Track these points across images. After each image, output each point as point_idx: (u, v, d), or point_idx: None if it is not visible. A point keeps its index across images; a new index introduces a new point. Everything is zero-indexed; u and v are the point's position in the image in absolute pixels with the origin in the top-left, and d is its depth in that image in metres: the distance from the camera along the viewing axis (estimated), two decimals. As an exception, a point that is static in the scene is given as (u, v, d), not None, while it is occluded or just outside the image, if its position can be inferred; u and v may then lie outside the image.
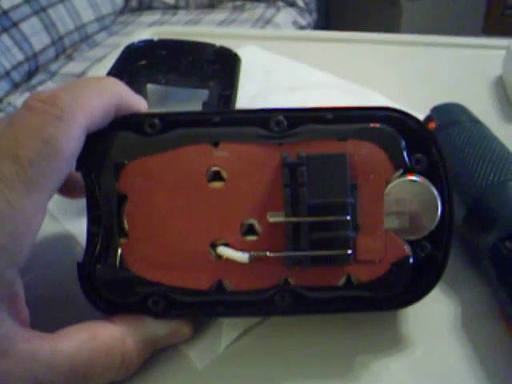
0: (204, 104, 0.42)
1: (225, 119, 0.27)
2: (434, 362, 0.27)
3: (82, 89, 0.26)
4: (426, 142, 0.27)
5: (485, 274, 0.30)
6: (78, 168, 0.27)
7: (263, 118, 0.27)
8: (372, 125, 0.27)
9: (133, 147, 0.27)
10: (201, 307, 0.27)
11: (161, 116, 0.27)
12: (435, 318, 0.29)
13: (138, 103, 0.28)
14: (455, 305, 0.30)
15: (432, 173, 0.27)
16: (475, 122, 0.36)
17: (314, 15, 1.83)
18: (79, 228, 0.35)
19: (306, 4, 1.76)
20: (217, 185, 0.27)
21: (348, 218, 0.25)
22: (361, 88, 0.50)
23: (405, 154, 0.27)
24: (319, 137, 0.27)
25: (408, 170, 0.27)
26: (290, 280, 0.27)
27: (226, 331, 0.29)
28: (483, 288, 0.30)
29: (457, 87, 0.49)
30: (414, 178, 0.27)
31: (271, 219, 0.26)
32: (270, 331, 0.29)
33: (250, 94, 0.48)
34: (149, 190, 0.27)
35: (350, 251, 0.25)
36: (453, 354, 0.28)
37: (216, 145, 0.27)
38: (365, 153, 0.26)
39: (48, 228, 0.35)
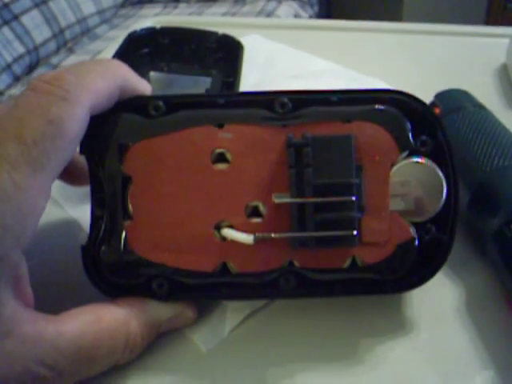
0: (207, 91, 0.42)
1: (229, 101, 0.27)
2: (438, 345, 0.27)
3: (86, 70, 0.26)
4: (431, 124, 0.27)
5: (489, 258, 0.30)
6: (82, 151, 0.27)
7: (268, 100, 0.27)
8: (377, 106, 0.27)
9: (137, 129, 0.27)
10: (205, 289, 0.27)
11: (165, 98, 0.27)
12: (440, 302, 0.29)
13: (143, 86, 0.28)
14: (459, 289, 0.30)
15: (437, 155, 0.27)
16: (479, 107, 0.36)
17: (316, 8, 1.82)
18: (82, 214, 0.35)
19: (308, -3, 1.76)
20: (221, 166, 0.27)
21: (353, 198, 0.25)
22: (364, 76, 0.50)
23: (410, 135, 0.26)
24: (324, 118, 0.26)
25: (413, 152, 0.27)
26: (295, 262, 0.27)
27: (231, 315, 0.29)
28: (488, 272, 0.30)
29: (461, 75, 0.49)
30: (419, 159, 0.27)
31: (276, 200, 0.26)
32: (273, 315, 0.29)
33: (253, 83, 0.48)
34: (153, 171, 0.27)
35: (355, 232, 0.25)
36: (457, 337, 0.28)
37: (220, 126, 0.27)
38: (370, 134, 0.26)
39: (51, 214, 0.35)
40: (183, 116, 0.27)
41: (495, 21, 2.11)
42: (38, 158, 0.22)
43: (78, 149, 0.26)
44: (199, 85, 0.44)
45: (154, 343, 0.27)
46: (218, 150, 0.27)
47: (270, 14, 1.59)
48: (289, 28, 0.66)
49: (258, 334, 0.28)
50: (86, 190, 0.35)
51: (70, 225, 0.35)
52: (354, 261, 0.27)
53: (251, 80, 0.47)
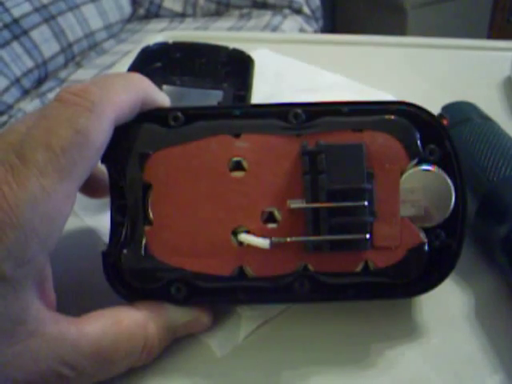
0: (219, 104, 0.43)
1: (245, 112, 0.28)
2: (449, 350, 0.28)
3: (110, 83, 0.27)
4: (439, 134, 0.28)
5: (498, 266, 0.31)
6: (103, 160, 0.28)
7: (282, 112, 0.28)
8: (387, 116, 0.28)
9: (157, 138, 0.28)
10: (221, 294, 0.28)
11: (184, 110, 0.28)
12: (450, 309, 0.30)
13: (162, 99, 0.29)
14: (469, 296, 0.31)
15: (445, 163, 0.28)
16: (485, 119, 0.37)
17: (321, 22, 1.84)
18: (99, 223, 0.36)
19: (313, 11, 1.77)
20: (238, 174, 0.28)
21: (365, 203, 0.26)
22: (372, 89, 0.51)
23: (419, 144, 0.27)
24: (336, 128, 0.28)
25: (422, 161, 0.28)
26: (309, 266, 0.27)
27: (245, 323, 0.30)
28: (496, 279, 0.31)
29: (466, 88, 0.49)
30: (428, 167, 0.28)
31: (292, 205, 0.27)
32: (286, 322, 0.30)
33: (263, 96, 0.49)
34: (173, 179, 0.28)
35: (367, 235, 0.26)
36: (467, 342, 0.28)
37: (237, 136, 0.28)
38: (380, 143, 0.27)
39: (69, 224, 0.36)
40: (201, 126, 0.28)
41: (498, 34, 2.12)
42: (65, 166, 0.23)
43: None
44: (211, 98, 0.45)
45: (171, 347, 0.28)
46: (235, 159, 0.28)
47: (275, 29, 1.60)
48: (296, 42, 0.67)
49: (271, 341, 0.29)
50: (103, 200, 0.36)
51: (88, 234, 0.36)
52: (366, 265, 0.27)
53: (262, 93, 0.48)
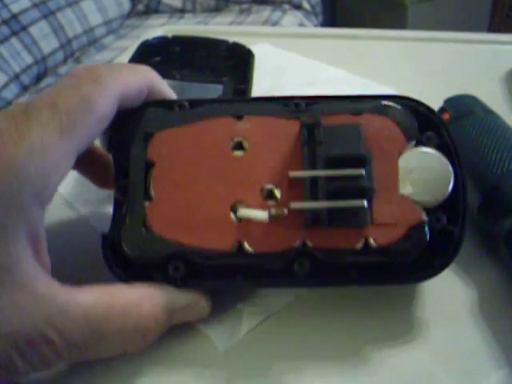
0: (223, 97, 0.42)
1: (248, 102, 0.30)
2: (452, 345, 0.28)
3: (119, 67, 0.29)
4: (436, 125, 0.29)
5: (501, 260, 0.31)
6: (109, 149, 0.29)
7: (284, 102, 0.29)
8: (385, 102, 0.29)
9: (161, 119, 0.29)
10: (220, 274, 0.28)
11: (190, 100, 0.30)
12: (453, 302, 0.30)
13: (169, 93, 0.31)
14: (472, 290, 0.30)
15: (443, 151, 0.28)
16: (488, 112, 0.36)
17: (320, 18, 1.84)
18: (98, 218, 0.36)
19: (312, 7, 1.77)
20: (239, 153, 0.28)
21: (363, 171, 0.26)
22: (374, 83, 0.51)
23: (416, 128, 0.28)
24: (335, 111, 0.29)
25: (420, 144, 0.28)
26: (308, 242, 0.27)
27: (247, 319, 0.29)
28: (500, 274, 0.31)
29: (467, 81, 0.49)
30: (426, 148, 0.28)
31: (291, 174, 0.27)
32: (288, 318, 0.30)
33: (264, 90, 0.49)
34: (175, 157, 0.28)
35: (365, 203, 0.26)
36: (471, 337, 0.28)
37: (239, 118, 0.29)
38: (378, 125, 0.28)
39: (66, 217, 0.36)
40: (205, 108, 0.29)
41: (498, 28, 2.12)
42: (66, 125, 0.24)
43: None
44: (211, 92, 0.44)
45: (172, 340, 0.28)
46: (237, 139, 0.29)
47: (275, 24, 1.60)
48: (296, 37, 0.66)
49: (273, 336, 0.29)
50: (101, 194, 0.36)
51: (85, 227, 0.36)
52: (366, 242, 0.27)
53: (262, 88, 0.48)
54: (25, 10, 1.36)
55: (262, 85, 0.48)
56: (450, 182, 0.27)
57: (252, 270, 0.28)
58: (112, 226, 0.28)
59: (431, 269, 0.27)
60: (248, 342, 0.29)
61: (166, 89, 0.30)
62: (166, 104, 0.29)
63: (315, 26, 1.75)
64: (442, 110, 0.38)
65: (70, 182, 0.39)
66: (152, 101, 0.29)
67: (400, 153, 0.28)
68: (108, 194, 0.34)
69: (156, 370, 0.27)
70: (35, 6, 1.39)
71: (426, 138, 0.28)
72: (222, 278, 0.28)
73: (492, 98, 0.39)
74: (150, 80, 0.29)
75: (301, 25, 1.67)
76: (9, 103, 1.28)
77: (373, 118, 0.28)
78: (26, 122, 0.24)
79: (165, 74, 0.46)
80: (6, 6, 1.32)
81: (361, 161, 0.27)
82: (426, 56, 0.58)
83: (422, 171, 0.28)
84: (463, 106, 0.37)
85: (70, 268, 0.32)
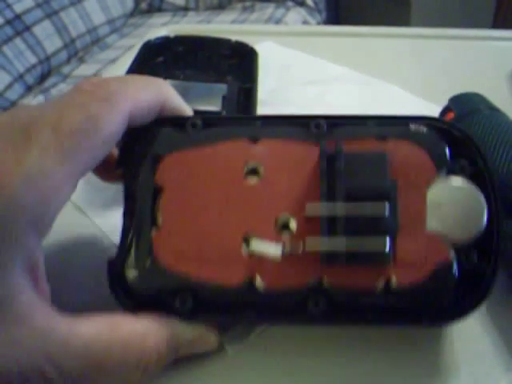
0: (223, 98, 0.42)
1: (265, 122, 0.28)
2: (462, 349, 0.27)
3: (130, 81, 0.27)
4: (470, 150, 0.26)
5: (508, 259, 0.30)
6: (118, 165, 0.27)
7: (303, 122, 0.27)
8: (413, 126, 0.26)
9: (172, 141, 0.27)
10: (229, 309, 0.26)
11: (203, 118, 0.28)
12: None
13: (184, 108, 0.29)
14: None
15: (477, 181, 0.26)
16: (494, 110, 0.36)
17: (324, 14, 1.83)
18: (105, 220, 0.36)
19: (316, 3, 1.77)
20: (253, 180, 0.27)
21: (386, 206, 0.24)
22: (379, 81, 0.51)
23: (447, 156, 0.26)
24: (358, 136, 0.26)
25: (452, 174, 0.26)
26: (324, 280, 0.25)
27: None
28: (507, 276, 0.30)
29: (473, 79, 0.49)
30: (457, 180, 0.26)
31: (307, 210, 0.25)
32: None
33: (268, 89, 0.49)
34: (185, 182, 0.27)
35: (387, 247, 0.24)
36: (480, 340, 0.28)
37: (255, 141, 0.27)
38: (406, 153, 0.26)
39: (73, 221, 0.36)
40: (218, 130, 0.27)
41: (503, 24, 2.11)
42: (69, 150, 0.23)
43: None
44: (215, 91, 0.44)
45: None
46: (251, 164, 0.27)
47: (278, 21, 1.60)
48: (300, 35, 0.66)
49: (282, 340, 0.28)
50: (109, 196, 0.36)
51: (93, 231, 0.35)
52: (387, 284, 0.25)
53: (267, 86, 0.48)
54: (28, 10, 1.36)
55: (267, 83, 0.48)
56: (483, 219, 0.25)
57: (263, 306, 0.26)
58: (118, 253, 0.27)
59: (458, 311, 0.25)
60: (257, 345, 0.28)
61: (181, 104, 0.28)
62: (179, 121, 0.28)
63: (318, 22, 1.75)
64: (448, 108, 0.38)
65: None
66: (164, 117, 0.28)
67: (429, 184, 0.25)
68: (114, 194, 0.34)
69: (164, 370, 0.27)
70: (38, 5, 1.39)
71: (458, 167, 0.26)
72: (232, 313, 0.26)
73: (497, 95, 0.38)
74: (162, 96, 0.27)
75: (304, 22, 1.67)
76: (13, 103, 1.28)
77: (400, 144, 0.26)
78: (25, 145, 0.22)
79: (168, 74, 0.47)
80: (9, 6, 1.32)
81: (385, 196, 0.24)
82: (430, 53, 0.57)
83: (452, 206, 0.25)
84: (468, 104, 0.37)
85: (75, 274, 0.32)
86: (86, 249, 0.34)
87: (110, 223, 0.35)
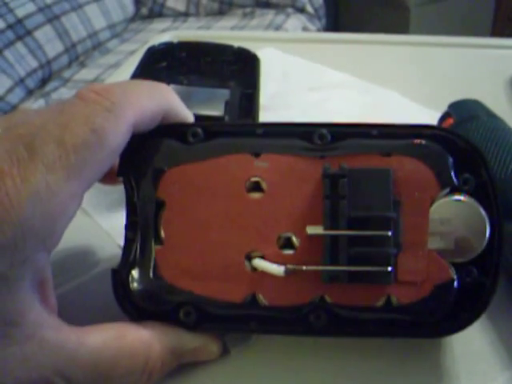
0: (226, 103, 0.43)
1: (267, 131, 0.27)
2: (459, 347, 0.28)
3: (134, 87, 0.26)
4: (475, 161, 0.26)
5: (506, 263, 0.31)
6: (119, 173, 0.27)
7: (307, 132, 0.27)
8: (417, 141, 0.26)
9: (174, 154, 0.27)
10: (232, 321, 0.26)
11: (204, 126, 0.27)
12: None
13: (186, 115, 0.28)
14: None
15: (480, 194, 0.26)
16: (492, 116, 0.37)
17: (324, 21, 1.84)
18: (110, 222, 0.36)
19: (316, 10, 1.78)
20: (256, 195, 0.26)
21: (389, 233, 0.24)
22: (379, 88, 0.51)
23: (452, 172, 0.26)
24: (362, 151, 0.26)
25: (455, 189, 0.26)
26: (326, 297, 0.25)
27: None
28: (506, 277, 0.31)
29: (472, 86, 0.49)
30: (461, 197, 0.25)
31: (309, 231, 0.25)
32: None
33: (269, 95, 0.49)
34: (187, 197, 0.26)
35: (390, 268, 0.24)
36: (477, 339, 0.28)
37: (257, 155, 0.27)
38: (409, 169, 0.26)
39: (79, 223, 0.36)
40: (220, 143, 0.27)
41: (501, 32, 2.12)
42: (75, 164, 0.22)
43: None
44: (218, 97, 0.45)
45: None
46: (254, 179, 0.26)
47: (278, 28, 1.60)
48: (300, 41, 0.67)
49: (284, 341, 0.29)
50: (114, 198, 0.36)
51: (98, 234, 0.36)
52: (388, 300, 0.25)
53: (269, 91, 0.48)
54: (29, 15, 1.37)
55: (268, 89, 0.49)
56: (485, 236, 0.25)
57: (266, 319, 0.26)
58: (122, 262, 0.27)
59: (457, 323, 0.25)
60: (259, 345, 0.29)
61: (183, 112, 0.28)
62: (179, 130, 0.27)
63: (318, 29, 1.76)
64: (447, 114, 0.39)
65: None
66: (165, 126, 0.27)
67: (432, 201, 0.25)
68: (119, 196, 0.34)
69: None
70: (40, 10, 1.40)
71: (462, 182, 0.25)
72: (235, 325, 0.26)
73: (496, 102, 0.39)
74: (166, 103, 0.27)
75: (304, 28, 1.68)
76: (14, 107, 1.28)
77: (404, 160, 0.25)
78: (30, 162, 0.21)
79: (172, 79, 0.47)
80: (11, 10, 1.33)
81: (389, 224, 0.24)
82: (430, 60, 0.58)
83: (454, 224, 0.25)
84: (467, 111, 0.38)
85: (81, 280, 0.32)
86: (92, 251, 0.34)
87: (115, 225, 0.35)
